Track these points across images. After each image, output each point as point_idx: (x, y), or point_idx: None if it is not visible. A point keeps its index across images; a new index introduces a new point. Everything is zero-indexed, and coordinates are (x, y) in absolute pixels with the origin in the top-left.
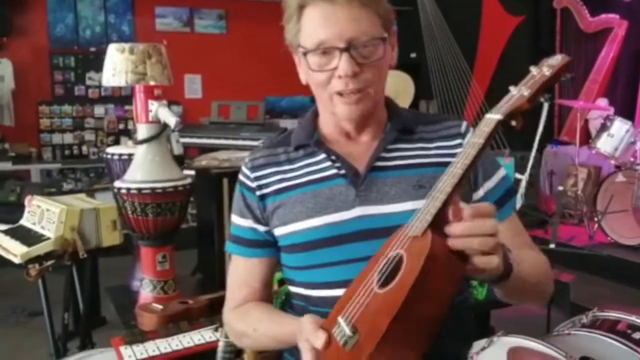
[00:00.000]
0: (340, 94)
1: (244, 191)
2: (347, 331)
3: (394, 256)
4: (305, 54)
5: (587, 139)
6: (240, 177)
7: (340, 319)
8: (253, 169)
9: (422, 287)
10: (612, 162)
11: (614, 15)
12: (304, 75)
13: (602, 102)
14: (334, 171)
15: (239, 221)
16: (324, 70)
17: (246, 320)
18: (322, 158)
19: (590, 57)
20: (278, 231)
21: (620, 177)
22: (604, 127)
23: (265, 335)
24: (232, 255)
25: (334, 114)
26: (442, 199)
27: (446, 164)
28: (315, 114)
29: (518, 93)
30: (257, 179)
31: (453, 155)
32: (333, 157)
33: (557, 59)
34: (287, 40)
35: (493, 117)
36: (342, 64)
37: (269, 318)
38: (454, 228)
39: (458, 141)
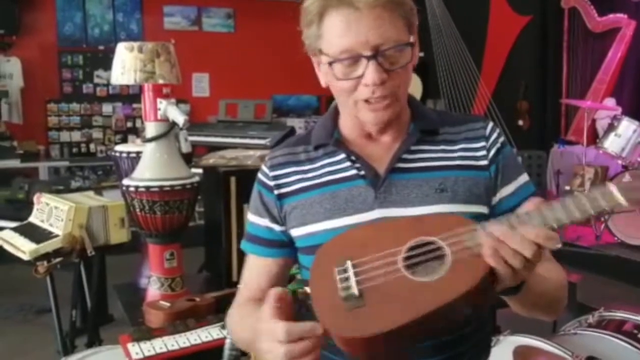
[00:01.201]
0: (366, 101)
1: (262, 189)
2: (355, 290)
3: (434, 246)
4: (331, 63)
5: (594, 138)
6: (259, 175)
7: (348, 264)
8: (272, 167)
9: (456, 304)
10: (619, 162)
11: (622, 15)
12: (324, 79)
13: (610, 102)
14: (353, 172)
15: (255, 219)
16: (349, 79)
17: (239, 312)
18: (341, 158)
19: (598, 57)
20: (295, 232)
21: (627, 177)
22: (611, 127)
23: (245, 325)
24: (246, 254)
25: (358, 118)
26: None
27: (469, 167)
28: (336, 112)
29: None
30: (275, 177)
31: (476, 158)
32: (353, 158)
33: None
34: (306, 45)
35: (619, 197)
36: (369, 72)
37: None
38: (496, 227)
39: (482, 144)
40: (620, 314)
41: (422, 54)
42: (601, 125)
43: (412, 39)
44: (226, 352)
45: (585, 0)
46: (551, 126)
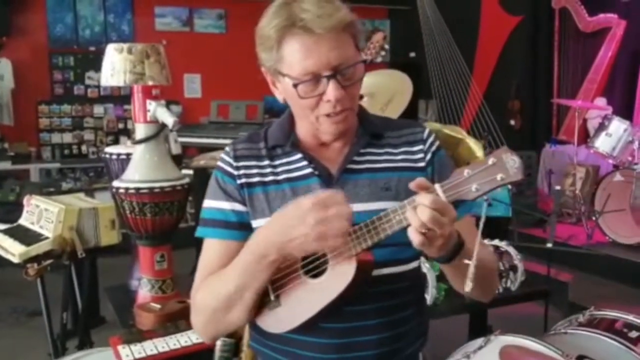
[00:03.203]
0: (327, 115)
1: (224, 177)
2: (272, 295)
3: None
4: (295, 85)
5: (585, 138)
6: (221, 164)
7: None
8: (236, 158)
9: (342, 296)
10: (610, 161)
11: (612, 15)
12: (281, 96)
13: (601, 101)
14: (309, 171)
15: (217, 204)
16: (311, 97)
17: (209, 280)
18: (298, 158)
19: (589, 56)
20: (257, 223)
21: (618, 177)
22: (602, 127)
23: (228, 275)
24: (205, 241)
25: (318, 130)
26: (375, 240)
27: (409, 169)
28: (291, 117)
29: (467, 185)
30: (238, 168)
31: (415, 160)
32: (308, 159)
33: (515, 170)
34: (263, 66)
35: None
36: (330, 90)
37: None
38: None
39: (420, 147)
40: (611, 313)
41: (413, 54)
42: (592, 125)
43: (363, 56)
44: (217, 354)
45: (576, 1)
46: (542, 126)
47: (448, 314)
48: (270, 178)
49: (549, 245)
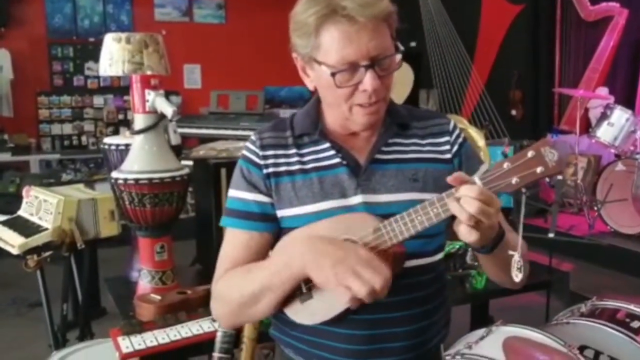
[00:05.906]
0: (361, 105)
1: (250, 167)
2: (303, 288)
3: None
4: (333, 74)
5: (587, 127)
6: (246, 153)
7: None
8: (262, 147)
9: None
10: (612, 151)
11: (614, 3)
12: (312, 83)
13: (602, 91)
14: (337, 160)
15: (241, 195)
16: (347, 86)
17: (236, 273)
18: (326, 147)
19: (591, 45)
20: (283, 212)
21: (620, 166)
22: (604, 116)
23: (256, 273)
24: (227, 230)
25: (349, 120)
26: (412, 233)
27: (436, 160)
28: (318, 104)
29: (507, 178)
30: (265, 157)
31: (441, 152)
32: (337, 148)
33: (555, 161)
34: (297, 52)
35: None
36: (367, 80)
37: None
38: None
39: (446, 138)
40: (612, 303)
41: (414, 44)
42: (594, 115)
43: (399, 47)
44: (217, 345)
45: None
46: (544, 115)
47: (450, 304)
48: (298, 167)
49: (551, 235)
